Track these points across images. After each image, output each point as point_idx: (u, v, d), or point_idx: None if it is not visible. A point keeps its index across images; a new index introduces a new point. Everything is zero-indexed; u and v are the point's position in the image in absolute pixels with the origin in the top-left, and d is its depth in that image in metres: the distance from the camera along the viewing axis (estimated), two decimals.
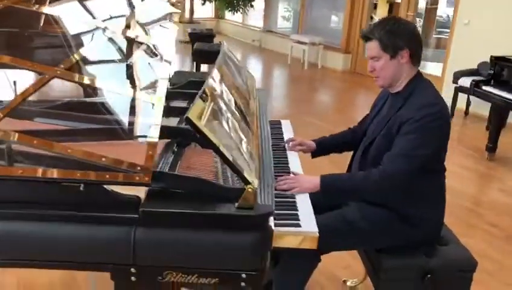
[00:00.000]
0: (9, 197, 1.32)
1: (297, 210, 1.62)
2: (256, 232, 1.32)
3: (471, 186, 3.79)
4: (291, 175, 1.86)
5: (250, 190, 1.30)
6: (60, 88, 1.84)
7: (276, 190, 1.69)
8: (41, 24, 1.87)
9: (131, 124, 1.46)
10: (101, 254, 1.33)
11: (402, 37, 1.80)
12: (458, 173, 3.92)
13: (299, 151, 2.16)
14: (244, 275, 1.36)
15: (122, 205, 1.31)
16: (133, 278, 1.36)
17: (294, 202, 1.68)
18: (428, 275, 1.85)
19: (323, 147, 2.19)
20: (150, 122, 1.36)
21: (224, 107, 1.55)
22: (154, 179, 1.32)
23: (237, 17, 10.69)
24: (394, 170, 1.74)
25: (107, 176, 1.29)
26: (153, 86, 1.45)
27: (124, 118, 1.54)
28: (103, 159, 1.31)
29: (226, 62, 2.05)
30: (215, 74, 1.68)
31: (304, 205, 1.67)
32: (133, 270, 1.35)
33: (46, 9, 1.75)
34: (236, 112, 1.71)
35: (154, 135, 1.34)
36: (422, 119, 1.72)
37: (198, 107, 1.32)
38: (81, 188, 1.29)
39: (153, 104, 1.38)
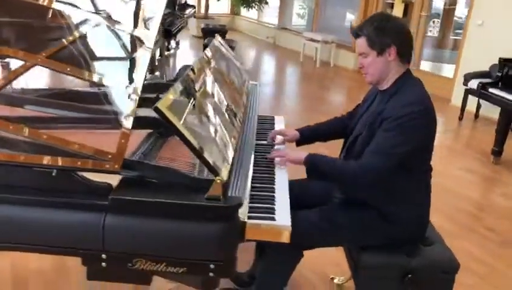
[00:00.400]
0: None
1: (274, 204, 1.62)
2: (223, 223, 1.33)
3: (474, 190, 3.73)
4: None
5: (218, 181, 1.31)
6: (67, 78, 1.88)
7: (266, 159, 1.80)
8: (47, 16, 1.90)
9: (108, 113, 1.48)
10: (71, 239, 1.36)
11: (389, 35, 1.78)
12: (463, 176, 3.88)
13: (285, 141, 2.17)
14: (212, 266, 1.37)
15: (93, 191, 1.34)
16: (103, 264, 1.38)
17: (273, 196, 1.68)
18: (409, 275, 1.84)
19: (307, 136, 2.18)
20: (124, 112, 1.38)
21: (203, 100, 1.56)
22: (125, 167, 1.34)
23: (253, 14, 10.69)
24: (371, 166, 1.73)
25: (79, 163, 1.31)
26: (130, 76, 1.46)
27: (104, 108, 1.56)
28: (76, 146, 1.34)
29: (214, 56, 2.05)
30: (197, 66, 1.69)
31: (282, 199, 1.67)
32: (103, 256, 1.37)
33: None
34: (219, 105, 1.73)
35: (126, 125, 1.36)
36: (402, 118, 1.71)
37: (169, 97, 1.34)
38: (54, 174, 1.32)
39: (129, 95, 1.40)
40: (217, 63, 2.02)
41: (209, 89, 1.70)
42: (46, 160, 1.29)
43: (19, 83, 1.76)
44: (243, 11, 10.84)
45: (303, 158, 1.85)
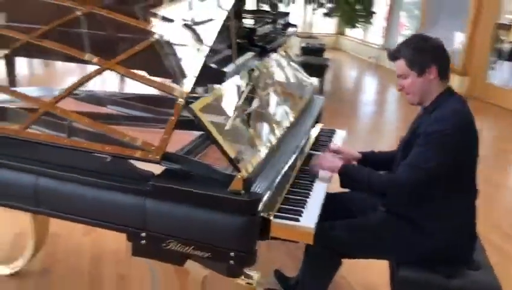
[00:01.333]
0: (59, 162, 1.65)
1: (303, 207, 1.73)
2: (242, 216, 1.47)
3: None
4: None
5: (239, 176, 1.47)
6: None
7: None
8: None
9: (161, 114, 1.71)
10: (118, 217, 1.59)
11: (428, 54, 1.82)
12: None
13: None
14: (232, 254, 1.51)
15: (137, 177, 1.56)
16: (143, 242, 1.59)
17: (305, 200, 1.79)
18: None
19: (367, 161, 2.19)
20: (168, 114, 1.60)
21: (244, 102, 1.73)
22: (166, 159, 1.55)
23: (358, 33, 10.69)
24: (398, 179, 1.78)
25: (128, 152, 1.55)
26: (181, 81, 1.66)
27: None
28: (127, 137, 1.58)
29: (270, 66, 2.22)
30: (249, 73, 1.88)
31: (313, 204, 1.77)
32: (143, 234, 1.59)
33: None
34: (261, 109, 1.88)
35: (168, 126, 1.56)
36: (432, 134, 1.74)
37: (204, 100, 1.53)
38: (108, 160, 1.57)
39: (177, 98, 1.60)
40: (271, 73, 2.18)
41: (253, 93, 1.86)
42: (102, 147, 1.55)
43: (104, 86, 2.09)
44: (349, 30, 10.90)
45: (339, 166, 1.93)
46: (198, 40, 1.73)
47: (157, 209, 1.54)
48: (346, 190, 2.07)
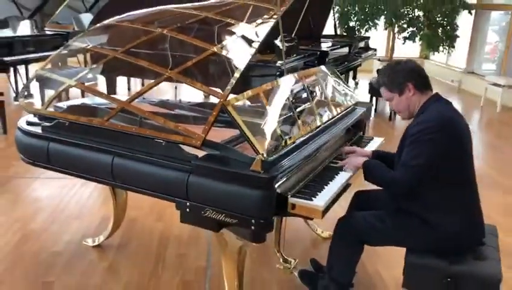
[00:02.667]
0: (129, 146, 2.15)
1: (320, 191, 2.06)
2: (260, 190, 1.84)
3: None
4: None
5: (258, 159, 1.85)
6: None
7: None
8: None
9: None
10: (168, 189, 2.04)
11: (401, 75, 2.13)
12: None
13: None
14: (253, 221, 1.89)
15: (184, 158, 2.00)
16: (187, 210, 2.03)
17: (323, 187, 2.12)
18: (449, 279, 2.04)
19: (378, 158, 2.44)
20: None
21: (277, 101, 2.14)
22: (206, 145, 1.98)
23: (442, 57, 10.60)
24: (396, 177, 2.09)
25: (177, 138, 2.00)
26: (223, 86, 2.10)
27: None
28: (179, 127, 2.04)
29: (314, 75, 2.61)
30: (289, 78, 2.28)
31: (330, 189, 2.10)
32: (187, 204, 2.02)
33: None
34: (294, 110, 2.26)
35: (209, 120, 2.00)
36: (417, 133, 2.04)
37: (236, 98, 1.95)
38: (163, 144, 2.04)
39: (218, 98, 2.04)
40: (314, 81, 2.58)
41: (290, 95, 2.26)
42: (159, 134, 2.02)
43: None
44: (432, 54, 10.85)
45: (361, 163, 2.25)
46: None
47: (197, 184, 1.97)
48: (376, 188, 2.37)
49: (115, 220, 2.99)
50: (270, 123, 2.06)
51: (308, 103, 2.45)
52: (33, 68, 6.73)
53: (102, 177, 2.23)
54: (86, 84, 3.18)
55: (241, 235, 2.04)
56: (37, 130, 2.41)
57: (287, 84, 2.36)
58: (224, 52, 2.21)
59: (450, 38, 9.48)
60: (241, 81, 2.08)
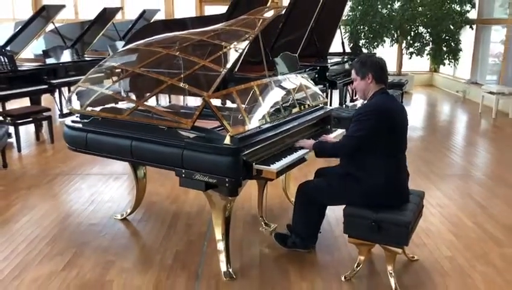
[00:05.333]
0: (142, 131, 3.00)
1: (279, 160, 2.86)
2: (230, 157, 2.66)
3: None
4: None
5: (228, 136, 2.67)
6: None
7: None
8: None
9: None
10: (168, 161, 2.87)
11: (367, 66, 2.87)
12: None
13: None
14: (227, 180, 2.70)
15: (180, 138, 2.84)
16: (183, 176, 2.85)
17: (282, 159, 2.91)
18: (373, 223, 2.77)
19: None
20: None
21: (256, 99, 2.95)
22: (195, 129, 2.82)
23: (450, 70, 11.21)
24: (341, 144, 2.88)
25: (174, 124, 2.85)
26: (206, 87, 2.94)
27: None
28: (176, 117, 2.88)
29: (285, 80, 3.42)
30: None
31: (286, 160, 2.89)
32: (183, 171, 2.84)
33: None
34: (266, 103, 3.06)
35: (197, 111, 2.84)
36: (358, 115, 2.80)
37: (215, 95, 2.78)
38: (165, 128, 2.89)
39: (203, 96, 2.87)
40: (285, 85, 3.41)
41: (260, 94, 3.07)
42: (161, 123, 2.87)
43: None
44: (442, 68, 11.47)
45: (311, 145, 3.02)
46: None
47: (189, 156, 2.79)
48: (332, 165, 3.15)
49: (137, 198, 3.85)
50: (241, 114, 2.88)
51: (277, 101, 3.26)
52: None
53: (124, 156, 3.10)
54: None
55: (222, 194, 2.85)
56: (79, 125, 3.31)
57: (259, 86, 3.17)
58: (210, 65, 3.05)
59: (454, 52, 10.14)
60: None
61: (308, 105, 3.59)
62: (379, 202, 2.82)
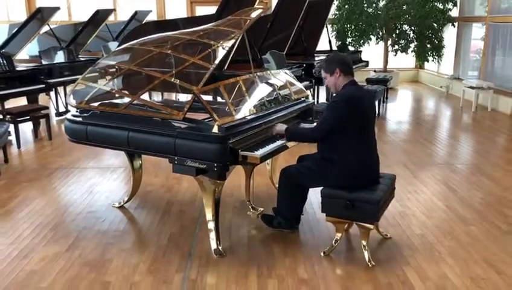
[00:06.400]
0: (139, 123, 3.29)
1: (262, 147, 3.16)
2: (218, 144, 2.95)
3: None
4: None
5: (216, 124, 2.96)
6: None
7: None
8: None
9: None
10: (161, 149, 3.16)
11: (334, 63, 3.20)
12: None
13: None
14: (215, 165, 2.99)
15: (173, 128, 3.13)
16: (176, 162, 3.14)
17: (265, 145, 3.21)
18: (347, 202, 3.08)
19: None
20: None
21: (244, 92, 3.25)
22: (186, 120, 3.11)
23: (435, 67, 11.57)
24: (315, 128, 3.17)
25: (167, 116, 3.14)
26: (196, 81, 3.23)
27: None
28: (168, 109, 3.17)
29: (272, 75, 3.72)
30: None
31: (268, 148, 3.19)
32: (176, 158, 3.13)
33: None
34: (251, 96, 3.36)
35: (188, 104, 3.13)
36: (331, 103, 3.12)
37: (204, 88, 3.08)
38: (159, 120, 3.18)
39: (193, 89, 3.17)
40: (268, 80, 3.71)
41: (246, 88, 3.37)
42: (156, 115, 3.16)
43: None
44: (427, 64, 11.84)
45: (283, 130, 3.33)
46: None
47: (181, 144, 3.08)
48: (313, 152, 3.45)
49: (133, 187, 4.14)
50: (228, 106, 3.18)
51: (261, 95, 3.56)
52: (69, 89, 8.06)
53: (122, 145, 3.39)
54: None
55: (212, 178, 3.15)
56: (79, 119, 3.60)
57: (245, 81, 3.47)
58: (199, 62, 3.35)
59: (437, 49, 10.50)
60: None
61: (291, 98, 3.89)
62: (352, 182, 3.13)
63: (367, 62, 10.01)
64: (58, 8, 7.84)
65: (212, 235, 3.30)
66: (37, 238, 3.56)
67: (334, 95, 3.27)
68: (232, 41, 3.49)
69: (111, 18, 10.00)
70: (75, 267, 3.13)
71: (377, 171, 3.28)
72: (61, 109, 8.15)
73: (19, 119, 6.17)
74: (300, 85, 4.22)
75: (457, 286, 2.88)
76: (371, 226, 3.11)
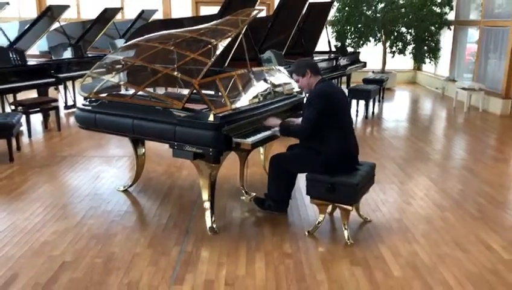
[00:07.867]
0: (142, 112, 3.63)
1: (253, 135, 3.50)
2: (213, 131, 3.29)
3: None
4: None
5: (212, 113, 3.31)
6: None
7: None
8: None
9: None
10: (163, 135, 3.51)
11: (303, 66, 3.57)
12: None
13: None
14: (211, 150, 3.34)
15: (173, 116, 3.47)
16: (175, 147, 3.48)
17: (256, 133, 3.55)
18: (329, 185, 3.42)
19: None
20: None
21: (239, 86, 3.59)
22: (186, 110, 3.45)
23: (432, 68, 11.87)
24: (301, 125, 3.51)
25: (167, 105, 3.49)
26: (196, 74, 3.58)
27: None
28: (169, 99, 3.52)
29: (269, 72, 4.06)
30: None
31: (259, 136, 3.53)
32: (175, 144, 3.48)
33: None
34: (245, 89, 3.70)
35: (187, 94, 3.48)
36: (309, 99, 3.47)
37: (202, 81, 3.42)
38: (161, 109, 3.53)
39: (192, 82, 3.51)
40: (263, 76, 4.05)
41: (241, 82, 3.71)
42: (158, 104, 3.51)
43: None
44: (424, 66, 12.14)
45: (278, 124, 3.67)
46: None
47: (180, 131, 3.43)
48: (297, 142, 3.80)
49: (137, 173, 4.49)
50: (224, 97, 3.52)
51: (255, 88, 3.91)
52: (77, 83, 8.43)
53: (127, 132, 3.74)
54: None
55: (208, 162, 3.49)
56: (89, 108, 3.95)
57: (240, 75, 3.82)
58: (199, 57, 3.69)
59: (433, 52, 10.81)
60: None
61: (283, 93, 4.23)
62: (334, 168, 3.47)
63: (365, 63, 10.33)
64: (68, 6, 8.21)
65: (208, 213, 3.64)
66: (48, 215, 3.91)
67: (308, 94, 3.60)
68: (229, 39, 3.83)
69: (118, 16, 10.36)
70: (84, 239, 3.48)
71: (356, 157, 3.62)
72: (70, 102, 8.52)
73: (30, 110, 6.54)
74: (292, 81, 4.56)
75: (425, 261, 3.21)
76: (350, 207, 3.45)
